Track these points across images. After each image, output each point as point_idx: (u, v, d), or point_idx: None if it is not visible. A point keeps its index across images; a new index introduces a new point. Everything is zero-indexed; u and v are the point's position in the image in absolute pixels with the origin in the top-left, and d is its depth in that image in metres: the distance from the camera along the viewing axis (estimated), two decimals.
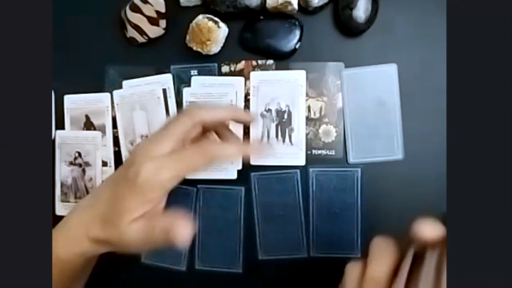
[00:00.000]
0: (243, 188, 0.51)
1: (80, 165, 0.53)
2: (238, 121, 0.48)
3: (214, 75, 0.52)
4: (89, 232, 0.38)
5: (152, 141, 0.38)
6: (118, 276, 0.53)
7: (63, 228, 0.39)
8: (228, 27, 0.51)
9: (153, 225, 0.36)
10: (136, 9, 0.51)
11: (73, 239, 0.38)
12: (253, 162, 0.51)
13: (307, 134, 0.51)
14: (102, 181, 0.45)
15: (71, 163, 0.53)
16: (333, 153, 0.51)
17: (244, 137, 0.51)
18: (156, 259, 0.52)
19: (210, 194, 0.52)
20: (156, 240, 0.36)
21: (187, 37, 0.51)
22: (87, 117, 0.53)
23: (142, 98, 0.52)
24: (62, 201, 0.54)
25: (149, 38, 0.51)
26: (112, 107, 0.53)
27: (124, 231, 0.36)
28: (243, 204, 0.51)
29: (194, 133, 0.41)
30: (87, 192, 0.53)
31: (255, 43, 0.51)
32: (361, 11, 0.48)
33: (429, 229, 0.26)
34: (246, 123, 0.49)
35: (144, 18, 0.50)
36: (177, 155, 0.37)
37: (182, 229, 0.35)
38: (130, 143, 0.52)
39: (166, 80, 0.52)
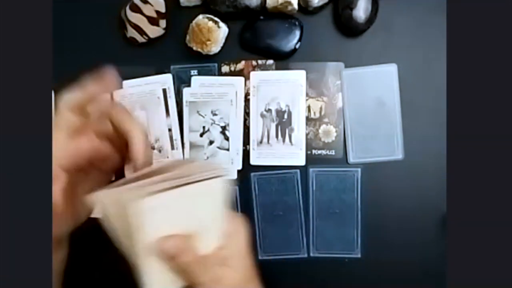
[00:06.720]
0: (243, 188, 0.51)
1: None
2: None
3: (214, 75, 0.52)
4: None
5: None
6: None
7: None
8: (228, 27, 0.51)
9: None
10: (136, 9, 0.51)
11: None
12: (253, 162, 0.51)
13: (307, 134, 0.51)
14: None
15: None
16: (333, 153, 0.51)
17: (244, 137, 0.51)
18: None
19: None
20: None
21: (187, 37, 0.51)
22: None
23: (142, 98, 0.52)
24: None
25: (149, 38, 0.51)
26: None
27: None
28: (243, 204, 0.51)
29: None
30: None
31: (255, 43, 0.51)
32: (361, 11, 0.48)
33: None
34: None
35: (144, 18, 0.50)
36: None
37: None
38: None
39: (166, 80, 0.52)
